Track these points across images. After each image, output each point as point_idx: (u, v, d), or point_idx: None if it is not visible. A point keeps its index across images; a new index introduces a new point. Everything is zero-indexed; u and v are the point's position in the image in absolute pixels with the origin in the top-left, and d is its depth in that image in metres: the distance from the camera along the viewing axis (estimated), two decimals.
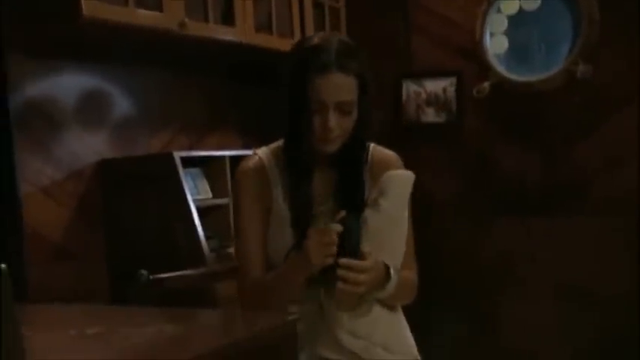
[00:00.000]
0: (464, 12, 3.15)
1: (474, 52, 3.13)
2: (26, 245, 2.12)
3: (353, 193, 1.53)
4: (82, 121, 2.35)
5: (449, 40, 3.22)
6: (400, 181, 1.51)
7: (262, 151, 1.59)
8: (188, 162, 2.42)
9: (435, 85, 3.27)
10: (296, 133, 1.50)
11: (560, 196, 3.09)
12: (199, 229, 2.26)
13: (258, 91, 2.99)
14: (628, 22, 2.88)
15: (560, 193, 3.09)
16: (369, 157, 1.57)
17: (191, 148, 2.75)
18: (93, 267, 2.36)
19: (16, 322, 0.81)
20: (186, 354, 0.98)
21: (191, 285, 1.79)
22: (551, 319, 3.09)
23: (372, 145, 1.60)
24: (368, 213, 1.47)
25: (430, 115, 3.30)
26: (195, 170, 2.54)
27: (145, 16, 2.17)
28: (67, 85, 2.31)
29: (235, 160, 2.15)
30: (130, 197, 2.38)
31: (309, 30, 2.93)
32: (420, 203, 3.23)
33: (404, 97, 3.33)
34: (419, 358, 1.60)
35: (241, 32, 2.57)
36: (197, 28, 2.35)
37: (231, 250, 2.27)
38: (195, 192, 2.44)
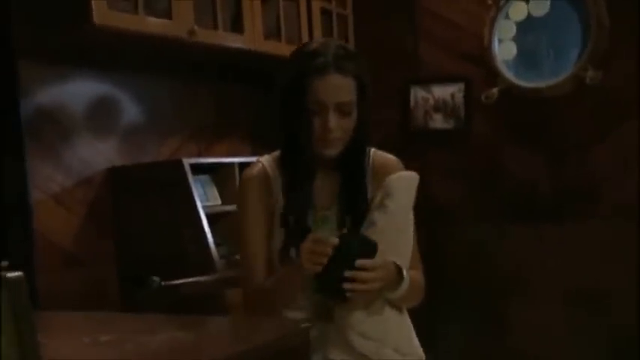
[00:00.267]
0: (472, 18, 3.15)
1: (483, 58, 3.12)
2: (36, 252, 2.13)
3: (356, 198, 1.53)
4: (91, 128, 2.36)
5: (457, 46, 3.22)
6: (406, 182, 1.52)
7: (265, 159, 1.60)
8: (197, 169, 2.42)
9: (443, 91, 3.27)
10: (295, 137, 1.51)
11: (570, 202, 3.08)
12: (209, 235, 2.26)
13: (266, 98, 3.00)
14: (637, 27, 2.87)
15: (570, 198, 3.08)
16: (370, 161, 1.58)
17: (200, 155, 2.76)
18: (103, 274, 2.36)
19: (34, 330, 0.81)
20: None
21: (202, 292, 1.79)
22: (561, 324, 3.08)
23: (372, 149, 1.61)
24: (375, 215, 1.48)
25: (438, 121, 3.29)
26: (204, 177, 2.54)
27: (154, 24, 2.18)
28: (77, 91, 2.32)
29: (244, 167, 2.14)
30: (140, 204, 2.38)
31: (317, 37, 2.94)
32: (429, 209, 3.28)
33: (412, 103, 3.32)
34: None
35: (250, 39, 2.58)
36: (206, 36, 2.36)
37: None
38: (204, 199, 2.45)
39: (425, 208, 3.23)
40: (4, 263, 0.84)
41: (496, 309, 3.23)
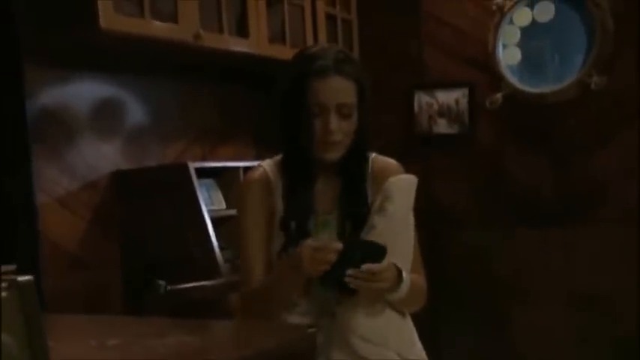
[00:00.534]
0: (476, 23, 3.16)
1: (487, 64, 3.13)
2: (42, 255, 2.13)
3: (356, 202, 1.54)
4: (97, 131, 2.36)
5: (461, 51, 3.22)
6: (404, 184, 1.52)
7: (267, 163, 1.61)
8: (202, 172, 2.43)
9: (448, 96, 3.27)
10: (296, 140, 1.51)
11: (573, 206, 3.08)
12: (214, 239, 2.26)
13: (268, 101, 3.00)
14: None
15: (573, 203, 3.08)
16: (371, 165, 1.59)
17: (204, 158, 2.76)
18: (107, 277, 2.37)
19: (44, 333, 0.81)
20: None
21: (208, 296, 1.79)
22: (565, 329, 3.08)
23: (373, 154, 1.61)
24: (375, 219, 1.48)
25: (442, 126, 3.29)
26: (209, 181, 2.55)
27: (160, 28, 2.19)
28: (82, 94, 2.32)
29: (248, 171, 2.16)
30: (145, 208, 2.39)
31: (322, 41, 2.94)
32: (433, 213, 3.28)
33: (416, 108, 3.33)
34: None
35: (255, 44, 2.59)
36: (212, 40, 2.37)
37: None
38: (209, 203, 2.45)
39: (429, 213, 3.27)
40: (12, 267, 0.84)
41: (500, 312, 3.23)
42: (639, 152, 2.91)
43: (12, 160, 2.13)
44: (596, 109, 2.99)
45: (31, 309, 0.80)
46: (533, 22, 3.06)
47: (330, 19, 3.09)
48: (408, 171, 1.60)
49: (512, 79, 3.09)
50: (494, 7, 3.08)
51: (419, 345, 1.59)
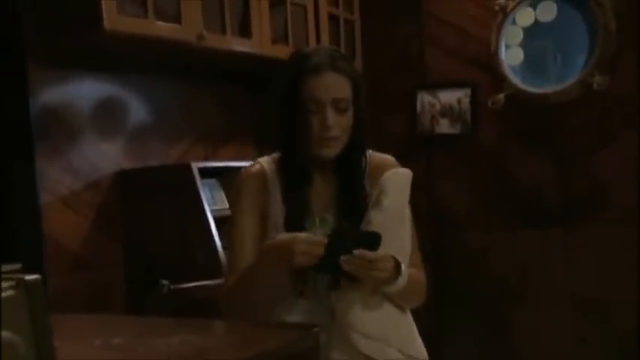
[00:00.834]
0: (479, 23, 3.16)
1: (489, 64, 3.13)
2: (45, 255, 2.14)
3: (353, 200, 1.54)
4: (100, 131, 2.37)
5: (463, 51, 3.23)
6: (399, 178, 1.53)
7: (265, 160, 1.62)
8: (205, 173, 2.43)
9: (450, 97, 3.27)
10: (293, 138, 1.52)
11: (576, 207, 3.08)
12: (217, 239, 2.27)
13: (264, 101, 3.01)
14: None
15: (576, 203, 3.08)
16: (368, 162, 1.59)
17: (207, 159, 2.77)
18: (110, 276, 2.37)
19: (50, 332, 0.81)
20: None
21: (210, 295, 1.79)
22: (567, 331, 3.08)
23: (370, 151, 1.62)
24: (371, 213, 1.48)
25: (445, 127, 3.30)
26: (211, 181, 2.55)
27: (163, 29, 2.19)
28: (86, 94, 2.33)
29: None
30: (148, 208, 2.39)
31: (325, 41, 2.95)
32: (435, 214, 3.28)
33: (418, 108, 3.33)
34: None
35: (258, 44, 2.59)
36: (215, 40, 2.37)
37: None
38: (212, 203, 2.45)
39: (431, 213, 3.27)
40: (18, 265, 0.85)
41: (501, 313, 3.23)
42: None
43: (15, 159, 2.14)
44: (598, 109, 3.00)
45: (38, 308, 0.80)
46: (536, 23, 3.07)
47: (333, 19, 3.09)
48: (407, 169, 1.60)
49: (515, 80, 3.09)
50: (496, 8, 3.08)
51: (419, 341, 1.59)
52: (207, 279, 2.00)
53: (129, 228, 2.41)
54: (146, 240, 2.39)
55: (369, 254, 1.37)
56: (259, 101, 3.04)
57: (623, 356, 2.95)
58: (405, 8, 3.35)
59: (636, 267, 2.93)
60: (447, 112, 3.28)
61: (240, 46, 2.53)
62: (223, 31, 2.44)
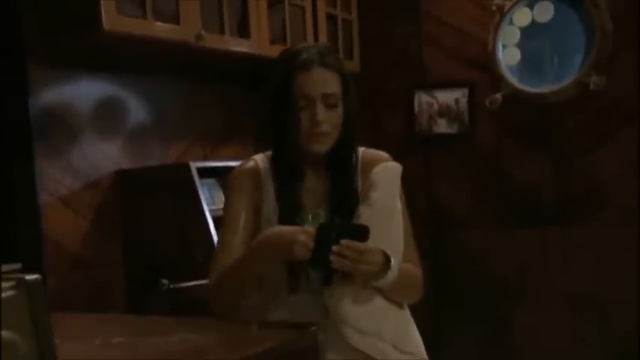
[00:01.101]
0: (476, 23, 3.17)
1: (487, 64, 3.14)
2: (45, 254, 2.15)
3: (345, 196, 1.55)
4: (99, 131, 2.38)
5: (461, 51, 3.24)
6: (388, 172, 1.53)
7: (259, 157, 1.63)
8: (204, 172, 2.44)
9: (448, 96, 3.28)
10: (284, 134, 1.52)
11: (574, 207, 3.09)
12: (215, 238, 2.28)
13: (256, 99, 3.02)
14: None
15: (574, 203, 3.09)
16: (359, 158, 1.60)
17: (205, 158, 2.78)
18: (110, 276, 2.38)
19: (51, 332, 0.82)
20: None
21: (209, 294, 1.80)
22: (565, 330, 3.09)
23: (362, 148, 1.62)
24: (360, 208, 1.49)
25: (442, 126, 3.31)
26: (210, 181, 2.56)
27: (162, 29, 2.20)
28: (85, 94, 2.34)
29: None
30: (147, 207, 2.40)
31: (323, 41, 2.95)
32: (433, 213, 3.29)
33: (416, 107, 3.34)
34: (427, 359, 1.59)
35: (256, 44, 2.60)
36: (213, 41, 2.38)
37: None
38: (210, 202, 2.46)
39: (429, 212, 3.28)
40: (18, 265, 0.86)
41: (500, 312, 3.24)
42: (639, 152, 2.93)
43: (15, 159, 2.15)
44: (595, 108, 3.01)
45: (38, 308, 0.81)
46: (533, 23, 3.08)
47: (331, 19, 3.10)
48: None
49: (512, 79, 3.10)
50: (494, 8, 3.09)
51: (417, 338, 1.58)
52: (207, 278, 2.00)
53: (128, 227, 2.42)
54: (145, 239, 2.40)
55: (358, 244, 1.36)
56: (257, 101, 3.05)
57: (621, 356, 2.96)
58: (403, 8, 3.36)
59: (634, 266, 2.94)
60: (444, 111, 3.30)
61: (239, 46, 2.54)
62: (222, 31, 2.45)
